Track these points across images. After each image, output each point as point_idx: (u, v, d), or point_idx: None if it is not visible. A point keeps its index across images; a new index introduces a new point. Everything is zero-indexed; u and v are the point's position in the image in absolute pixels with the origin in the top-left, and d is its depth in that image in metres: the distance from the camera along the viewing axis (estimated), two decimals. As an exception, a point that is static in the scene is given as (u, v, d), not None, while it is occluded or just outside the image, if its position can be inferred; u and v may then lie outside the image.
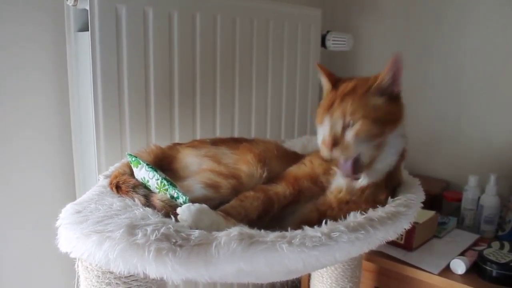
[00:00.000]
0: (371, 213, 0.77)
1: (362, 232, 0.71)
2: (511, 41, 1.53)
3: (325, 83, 0.87)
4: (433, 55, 1.71)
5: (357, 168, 0.80)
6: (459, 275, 1.22)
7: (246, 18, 1.36)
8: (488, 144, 1.61)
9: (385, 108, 0.79)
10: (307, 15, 1.58)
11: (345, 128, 0.78)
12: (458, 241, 1.39)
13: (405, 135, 0.87)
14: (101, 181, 0.88)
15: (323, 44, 1.65)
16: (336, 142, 0.78)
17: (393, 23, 1.80)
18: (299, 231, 0.69)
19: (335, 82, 0.85)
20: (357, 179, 0.82)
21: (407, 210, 0.81)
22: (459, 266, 1.22)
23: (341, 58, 1.93)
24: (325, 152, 0.79)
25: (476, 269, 1.23)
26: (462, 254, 1.29)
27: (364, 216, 0.75)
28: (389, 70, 0.78)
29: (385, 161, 0.83)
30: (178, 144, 0.99)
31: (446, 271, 1.23)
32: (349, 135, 0.77)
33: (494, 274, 1.18)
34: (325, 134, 0.80)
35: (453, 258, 1.25)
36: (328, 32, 1.65)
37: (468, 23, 1.61)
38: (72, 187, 1.14)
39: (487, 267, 1.19)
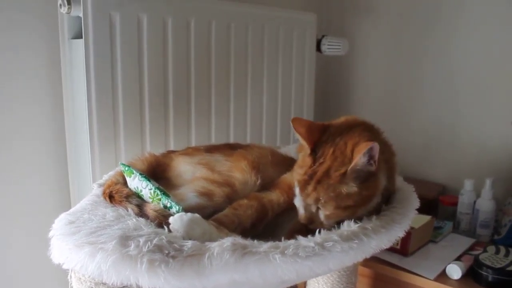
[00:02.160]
0: (365, 221, 0.77)
1: (356, 241, 0.71)
2: (506, 45, 1.54)
3: (303, 144, 0.83)
4: (428, 60, 1.71)
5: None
6: (455, 280, 1.22)
7: (241, 24, 1.35)
8: (483, 148, 1.62)
9: (358, 195, 0.76)
10: (302, 19, 1.58)
11: (319, 208, 0.78)
12: (454, 245, 1.39)
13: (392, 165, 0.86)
14: (95, 190, 0.88)
15: (318, 48, 1.65)
16: (311, 220, 0.79)
17: (388, 27, 1.80)
18: (292, 241, 0.69)
19: (315, 143, 0.81)
20: None
21: (401, 218, 0.81)
22: (455, 271, 1.22)
23: (336, 62, 1.93)
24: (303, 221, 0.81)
25: (472, 274, 1.23)
26: (458, 258, 1.29)
27: (358, 225, 0.75)
28: (360, 158, 0.74)
29: (367, 209, 0.81)
30: (172, 151, 0.99)
31: (442, 276, 1.23)
32: (322, 216, 0.78)
33: (490, 279, 1.18)
34: (301, 211, 0.80)
35: (449, 263, 1.25)
36: (323, 36, 1.65)
37: (463, 28, 1.62)
38: (67, 194, 1.14)
39: (483, 272, 1.19)
